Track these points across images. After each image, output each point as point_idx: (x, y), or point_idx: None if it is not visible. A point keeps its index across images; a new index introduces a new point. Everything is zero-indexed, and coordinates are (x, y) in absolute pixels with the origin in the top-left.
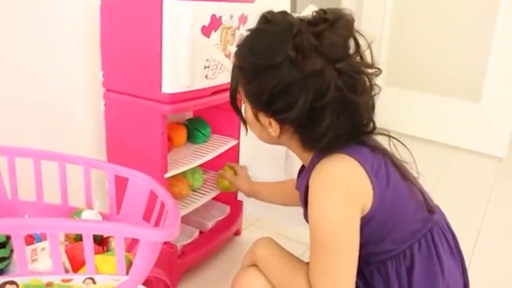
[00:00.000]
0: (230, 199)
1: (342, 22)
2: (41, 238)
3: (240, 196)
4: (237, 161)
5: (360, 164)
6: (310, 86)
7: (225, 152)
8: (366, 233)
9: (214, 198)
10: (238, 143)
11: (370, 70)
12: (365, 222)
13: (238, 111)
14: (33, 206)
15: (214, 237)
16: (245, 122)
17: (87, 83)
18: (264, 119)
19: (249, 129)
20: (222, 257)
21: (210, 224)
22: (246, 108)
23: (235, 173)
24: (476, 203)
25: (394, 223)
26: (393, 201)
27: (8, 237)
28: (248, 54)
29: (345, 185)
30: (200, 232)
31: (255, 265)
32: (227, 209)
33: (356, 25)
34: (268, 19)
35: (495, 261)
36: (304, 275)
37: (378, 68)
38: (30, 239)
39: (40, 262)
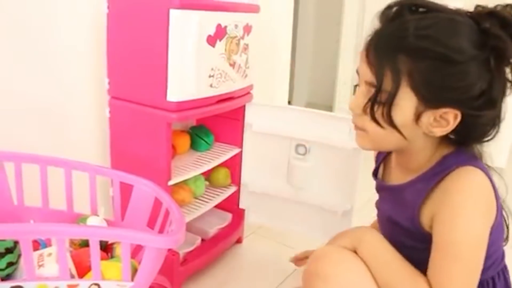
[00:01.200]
0: (232, 207)
1: None
2: (46, 244)
3: (242, 204)
4: (240, 171)
5: (491, 183)
6: (506, 79)
7: (228, 160)
8: None
9: (216, 206)
10: (241, 152)
11: None
12: None
13: (394, 127)
14: (38, 212)
15: (216, 245)
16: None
17: (92, 91)
18: (430, 117)
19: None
20: (224, 265)
21: (212, 232)
22: (393, 111)
23: None
24: None
25: (497, 243)
26: (495, 231)
27: (16, 243)
28: (453, 41)
29: (487, 200)
30: (202, 240)
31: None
32: (229, 217)
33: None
34: (438, 8)
35: None
36: (424, 279)
37: None
38: (36, 245)
39: (46, 267)
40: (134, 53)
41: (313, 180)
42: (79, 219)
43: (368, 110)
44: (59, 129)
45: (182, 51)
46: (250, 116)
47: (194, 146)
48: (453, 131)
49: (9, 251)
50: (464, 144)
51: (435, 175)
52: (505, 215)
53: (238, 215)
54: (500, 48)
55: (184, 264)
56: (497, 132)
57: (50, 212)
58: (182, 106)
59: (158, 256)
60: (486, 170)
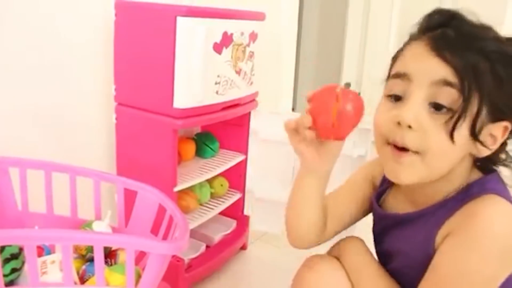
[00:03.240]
0: (236, 214)
1: None
2: (50, 250)
3: (247, 211)
4: (245, 176)
5: None
6: None
7: (233, 167)
8: None
9: (220, 213)
10: (246, 158)
11: None
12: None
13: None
14: (43, 218)
15: (221, 251)
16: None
17: (99, 97)
18: (487, 134)
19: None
20: (228, 271)
21: (216, 238)
22: (471, 125)
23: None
24: None
25: None
26: None
27: (21, 249)
28: None
29: (507, 239)
30: (207, 246)
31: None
32: (233, 223)
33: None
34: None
35: None
36: None
37: None
38: (40, 251)
39: (49, 275)
40: (141, 60)
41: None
42: (84, 224)
43: (454, 120)
44: (66, 135)
45: (189, 58)
46: (255, 123)
47: (199, 152)
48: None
49: (14, 257)
50: (490, 168)
51: (459, 202)
52: None
53: (243, 222)
54: None
55: (189, 270)
56: None
57: (55, 218)
58: (188, 113)
59: (162, 262)
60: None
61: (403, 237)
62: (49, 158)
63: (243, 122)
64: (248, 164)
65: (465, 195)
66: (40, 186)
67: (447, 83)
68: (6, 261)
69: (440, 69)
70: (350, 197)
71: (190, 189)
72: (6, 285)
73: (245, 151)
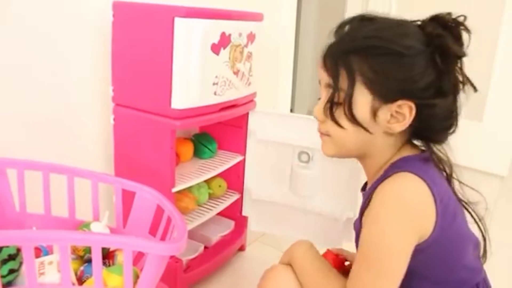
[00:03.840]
0: (234, 215)
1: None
2: (48, 251)
3: (245, 211)
4: (243, 177)
5: (430, 189)
6: (455, 72)
7: (231, 167)
8: (410, 264)
9: (218, 214)
10: (244, 159)
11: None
12: (413, 253)
13: (334, 117)
14: (40, 219)
15: (219, 252)
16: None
17: (97, 98)
18: (386, 114)
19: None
20: (227, 272)
21: (214, 239)
22: (345, 109)
23: None
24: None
25: (444, 264)
26: (451, 242)
27: (18, 250)
28: (397, 37)
29: (409, 208)
30: (205, 247)
31: (290, 265)
32: (231, 224)
33: None
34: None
35: (497, 282)
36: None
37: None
38: (37, 252)
39: (47, 276)
40: (139, 61)
41: (316, 187)
42: (82, 225)
43: (328, 111)
44: (63, 136)
45: (187, 59)
46: (253, 123)
47: (197, 153)
48: (412, 129)
49: (11, 258)
50: (426, 143)
51: (380, 182)
52: (482, 231)
53: (241, 223)
54: (443, 45)
55: (187, 271)
56: (456, 126)
57: (52, 219)
58: (186, 114)
59: (160, 263)
60: (428, 177)
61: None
62: (47, 159)
63: (241, 123)
64: (246, 165)
65: (384, 175)
66: (38, 187)
67: (329, 86)
68: (4, 262)
69: (324, 75)
70: None
71: (188, 190)
72: (3, 286)
73: (243, 152)
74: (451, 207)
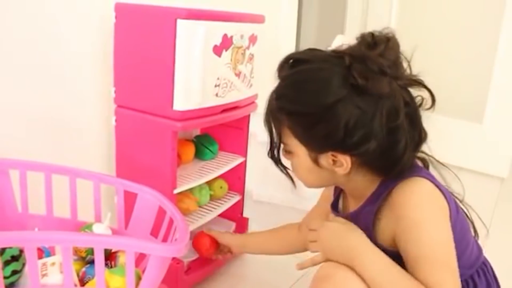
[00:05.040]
0: (235, 216)
1: (394, 41)
2: (50, 252)
3: (246, 213)
4: (244, 178)
5: (435, 185)
6: (383, 109)
7: (232, 169)
8: None
9: (220, 215)
10: (245, 161)
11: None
12: None
13: (283, 166)
14: (42, 220)
15: None
16: (289, 175)
17: (99, 99)
18: (327, 160)
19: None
20: (227, 274)
21: None
22: (294, 158)
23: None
24: (478, 223)
25: (460, 248)
26: (460, 230)
27: (21, 251)
28: (304, 96)
29: (438, 203)
30: None
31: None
32: (232, 225)
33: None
34: (304, 60)
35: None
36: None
37: (420, 80)
38: (40, 253)
39: (50, 277)
40: (141, 62)
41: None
42: (84, 226)
43: (270, 155)
44: (65, 137)
45: (189, 60)
46: (255, 125)
47: (198, 155)
48: (367, 164)
49: (14, 259)
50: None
51: (380, 195)
52: (466, 212)
53: (242, 224)
54: (357, 83)
55: (188, 272)
56: (416, 147)
57: (54, 220)
58: (188, 115)
59: (163, 264)
60: (430, 176)
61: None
62: (49, 160)
63: (242, 124)
64: (248, 167)
65: (383, 188)
66: (40, 188)
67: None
68: (7, 263)
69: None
70: (321, 212)
71: (190, 191)
72: (6, 287)
73: (244, 154)
74: (451, 199)
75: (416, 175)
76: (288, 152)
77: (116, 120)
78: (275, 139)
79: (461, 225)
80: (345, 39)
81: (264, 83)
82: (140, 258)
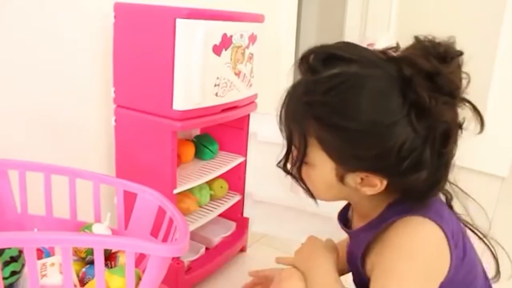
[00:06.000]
0: (236, 216)
1: (459, 58)
2: (49, 252)
3: (246, 213)
4: (244, 178)
5: (444, 233)
6: (437, 132)
7: (232, 169)
8: None
9: (220, 215)
10: (245, 160)
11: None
12: None
13: (303, 182)
14: (42, 221)
15: (220, 254)
16: (310, 192)
17: (98, 99)
18: (355, 179)
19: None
20: (228, 274)
21: (216, 241)
22: (312, 170)
23: None
24: (479, 222)
25: None
26: (464, 276)
27: (20, 252)
28: (353, 109)
29: (427, 258)
30: (206, 249)
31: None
32: (233, 225)
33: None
34: (347, 59)
35: (499, 284)
36: None
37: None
38: (39, 253)
39: (49, 277)
40: (140, 62)
41: None
42: (84, 226)
43: (282, 165)
44: (65, 137)
45: (188, 60)
46: (255, 125)
47: (198, 155)
48: (390, 188)
49: (13, 259)
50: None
51: (378, 224)
52: (491, 249)
53: (242, 224)
54: (421, 103)
55: (188, 272)
56: (442, 184)
57: (54, 220)
58: (188, 115)
59: (163, 265)
60: (438, 216)
61: (352, 250)
62: (48, 160)
63: (242, 124)
64: (248, 166)
65: (385, 217)
66: (39, 188)
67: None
68: (6, 264)
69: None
70: None
71: (190, 191)
72: None
73: (244, 153)
74: (460, 238)
75: (428, 216)
76: (305, 163)
77: (115, 120)
78: (300, 149)
79: (466, 273)
80: (391, 38)
81: (263, 82)
82: (140, 258)
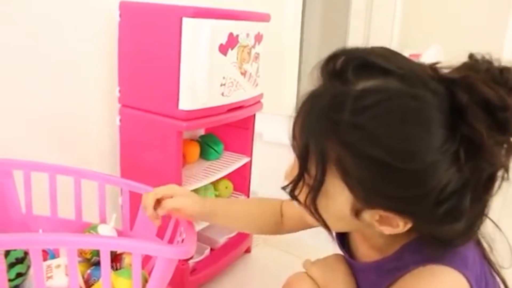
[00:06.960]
0: None
1: None
2: (54, 254)
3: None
4: (249, 179)
5: (468, 282)
6: (482, 176)
7: (237, 169)
8: None
9: None
10: (250, 161)
11: None
12: None
13: (318, 214)
14: (47, 221)
15: (225, 254)
16: (327, 227)
17: (103, 99)
18: (373, 216)
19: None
20: (233, 275)
21: (221, 241)
22: (324, 199)
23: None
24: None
25: None
26: None
27: (26, 253)
28: (390, 139)
29: None
30: (211, 249)
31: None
32: None
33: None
34: (388, 71)
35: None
36: None
37: None
38: (44, 255)
39: (55, 279)
40: (146, 62)
41: None
42: (89, 227)
43: (289, 190)
44: (69, 137)
45: (194, 59)
46: (260, 125)
47: (203, 155)
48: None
49: (19, 261)
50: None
51: (390, 271)
52: None
53: None
54: (475, 140)
55: (193, 273)
56: (474, 236)
57: (59, 221)
58: (193, 115)
59: (170, 267)
60: (462, 264)
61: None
62: (53, 160)
63: (247, 124)
64: (253, 167)
65: (398, 263)
66: (44, 188)
67: (299, 159)
68: (11, 265)
69: (294, 142)
70: None
71: (195, 191)
72: None
73: (249, 154)
74: (483, 280)
75: (454, 266)
76: (306, 186)
77: (120, 120)
78: (317, 176)
79: None
80: (441, 50)
81: (268, 82)
82: (146, 260)
